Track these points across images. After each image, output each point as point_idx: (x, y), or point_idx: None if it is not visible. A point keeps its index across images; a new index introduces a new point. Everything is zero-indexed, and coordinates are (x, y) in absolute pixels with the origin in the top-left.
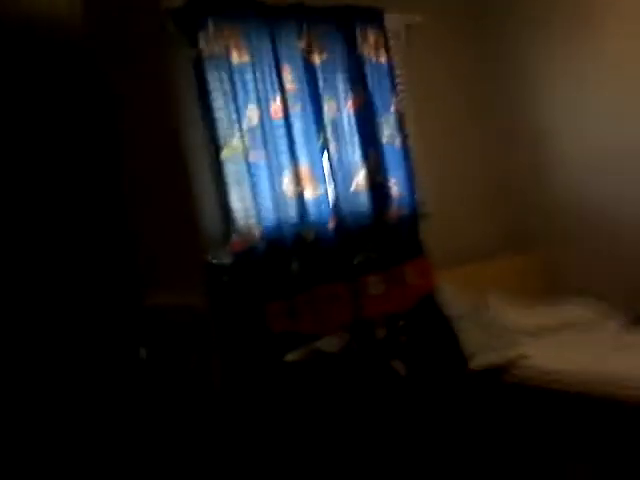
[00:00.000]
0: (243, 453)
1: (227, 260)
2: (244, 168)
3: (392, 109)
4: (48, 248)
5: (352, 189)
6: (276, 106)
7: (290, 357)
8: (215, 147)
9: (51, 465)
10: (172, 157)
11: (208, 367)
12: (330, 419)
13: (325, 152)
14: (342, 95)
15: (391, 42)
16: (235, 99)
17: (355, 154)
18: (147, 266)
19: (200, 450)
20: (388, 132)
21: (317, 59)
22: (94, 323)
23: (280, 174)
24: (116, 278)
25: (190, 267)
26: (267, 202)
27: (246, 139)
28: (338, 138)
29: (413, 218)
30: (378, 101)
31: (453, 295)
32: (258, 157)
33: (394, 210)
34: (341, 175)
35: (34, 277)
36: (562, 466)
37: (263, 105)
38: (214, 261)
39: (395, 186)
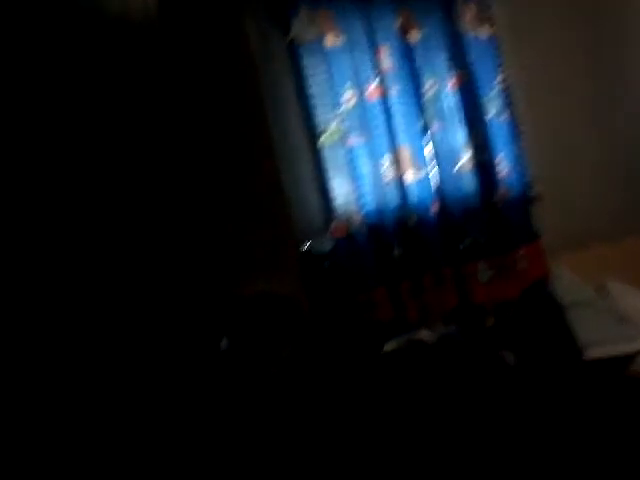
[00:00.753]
0: (337, 445)
1: (327, 247)
2: (343, 153)
3: (497, 84)
4: (143, 233)
5: (456, 171)
6: (373, 88)
7: (389, 347)
8: (313, 133)
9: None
10: (263, 145)
11: (300, 357)
12: (430, 411)
13: (426, 133)
14: (442, 73)
15: (494, 12)
16: (331, 83)
17: (458, 134)
18: (242, 254)
19: (288, 441)
20: (494, 109)
21: (414, 37)
22: (179, 311)
23: (380, 157)
24: (206, 266)
25: (285, 255)
26: (367, 187)
27: (344, 123)
28: (440, 118)
29: (524, 199)
30: (482, 76)
31: (568, 282)
32: (357, 141)
33: (502, 191)
34: (444, 156)
35: (124, 261)
36: None
37: (360, 88)
38: (314, 248)
39: (503, 166)
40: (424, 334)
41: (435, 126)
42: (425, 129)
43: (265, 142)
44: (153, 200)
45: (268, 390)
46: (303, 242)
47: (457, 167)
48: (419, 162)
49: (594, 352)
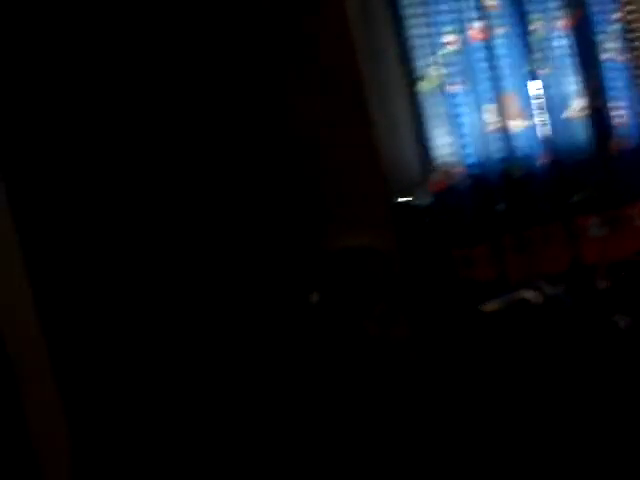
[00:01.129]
0: (436, 405)
1: (426, 200)
2: (443, 100)
3: (615, 22)
4: (238, 187)
5: (567, 119)
6: (477, 29)
7: (489, 307)
8: (411, 79)
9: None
10: (355, 93)
11: (394, 313)
12: (533, 376)
13: (535, 78)
14: (554, 11)
15: None
16: (431, 24)
17: (570, 78)
18: (334, 208)
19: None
20: (610, 50)
21: None
22: (269, 264)
23: (483, 105)
24: (298, 219)
25: (378, 209)
26: (469, 137)
27: (445, 68)
28: (550, 61)
29: None
30: (598, 13)
31: None
32: (458, 87)
33: (617, 141)
34: (554, 103)
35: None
36: None
37: (462, 29)
38: (412, 201)
39: (619, 113)
40: (529, 294)
41: (544, 70)
42: (533, 74)
43: (358, 90)
44: (245, 155)
45: (361, 345)
46: (399, 195)
47: (568, 115)
48: (526, 110)
49: None
